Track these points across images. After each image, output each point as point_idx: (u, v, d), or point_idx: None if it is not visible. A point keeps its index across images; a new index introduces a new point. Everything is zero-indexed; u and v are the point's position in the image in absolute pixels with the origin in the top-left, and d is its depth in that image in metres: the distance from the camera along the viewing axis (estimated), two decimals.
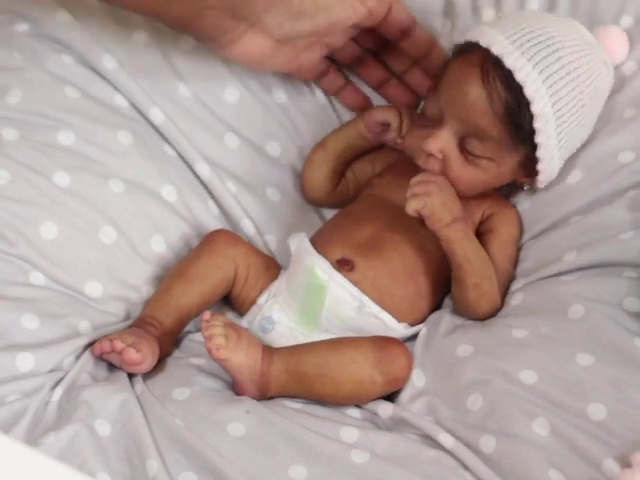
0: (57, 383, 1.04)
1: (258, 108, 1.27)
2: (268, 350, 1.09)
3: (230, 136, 1.25)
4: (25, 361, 1.02)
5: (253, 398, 1.06)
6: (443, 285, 1.19)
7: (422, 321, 1.17)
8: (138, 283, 1.16)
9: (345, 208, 1.25)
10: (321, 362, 1.08)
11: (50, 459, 0.61)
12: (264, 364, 1.07)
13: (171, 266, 1.18)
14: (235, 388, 1.08)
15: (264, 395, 1.08)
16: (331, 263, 1.14)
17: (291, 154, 1.30)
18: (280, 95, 1.29)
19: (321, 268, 1.13)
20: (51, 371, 1.04)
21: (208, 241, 1.18)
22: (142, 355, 1.05)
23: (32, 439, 0.96)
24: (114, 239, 1.14)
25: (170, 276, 1.16)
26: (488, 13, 1.28)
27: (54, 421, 1.00)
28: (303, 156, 1.29)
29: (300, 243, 1.17)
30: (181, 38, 1.23)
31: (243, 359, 1.05)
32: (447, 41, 1.27)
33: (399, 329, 1.14)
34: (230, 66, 1.26)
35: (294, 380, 1.08)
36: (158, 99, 1.21)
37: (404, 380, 1.09)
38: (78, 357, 1.08)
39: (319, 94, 1.31)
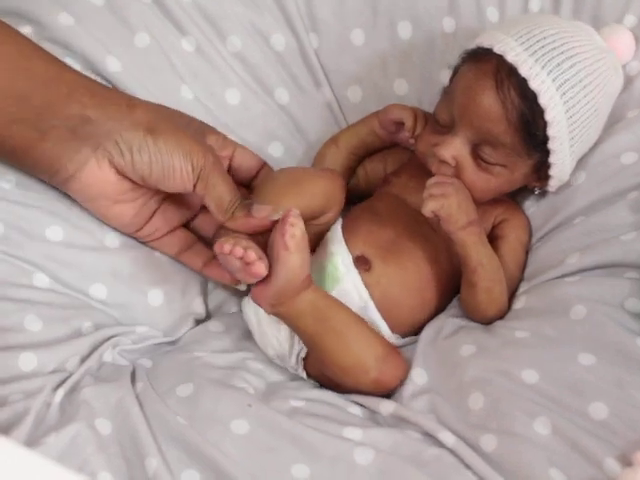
0: (59, 385, 1.04)
1: (260, 109, 1.28)
2: (311, 278, 1.07)
3: (232, 138, 1.24)
4: (27, 361, 1.03)
5: (261, 306, 1.05)
6: (446, 300, 1.20)
7: (414, 334, 1.16)
8: (144, 286, 1.16)
9: (368, 202, 1.24)
10: (347, 321, 1.08)
11: (50, 461, 0.62)
12: (303, 283, 1.05)
13: (178, 270, 1.18)
14: (253, 290, 1.06)
15: (274, 307, 1.06)
16: (352, 258, 1.13)
17: (295, 154, 1.30)
18: (282, 95, 1.29)
19: (343, 260, 1.13)
20: (53, 372, 1.05)
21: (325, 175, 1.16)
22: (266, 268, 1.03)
23: (34, 440, 0.97)
24: (120, 242, 1.14)
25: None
26: (492, 12, 1.27)
27: (56, 422, 1.00)
28: (307, 156, 1.29)
29: (334, 226, 1.16)
30: (183, 40, 1.23)
31: (297, 263, 1.03)
32: (451, 40, 1.27)
33: (390, 338, 1.14)
34: (232, 68, 1.26)
35: (313, 317, 1.06)
36: (160, 102, 1.20)
37: (389, 389, 1.09)
38: (83, 359, 1.08)
39: (323, 92, 1.30)
